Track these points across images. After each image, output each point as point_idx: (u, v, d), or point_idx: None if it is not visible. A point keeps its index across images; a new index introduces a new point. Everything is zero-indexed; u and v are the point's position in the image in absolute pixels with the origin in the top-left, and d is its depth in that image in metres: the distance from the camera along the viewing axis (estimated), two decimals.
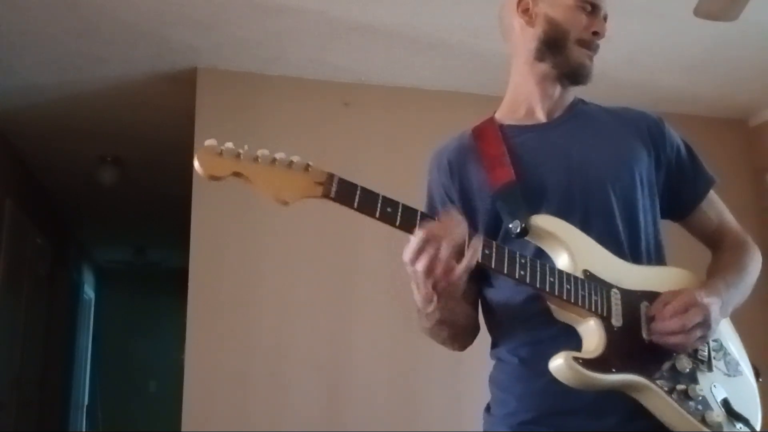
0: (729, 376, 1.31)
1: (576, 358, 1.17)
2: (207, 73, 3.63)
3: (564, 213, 1.31)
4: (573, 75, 1.42)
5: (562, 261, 1.27)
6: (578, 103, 1.49)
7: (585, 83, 1.43)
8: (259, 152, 1.13)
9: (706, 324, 1.23)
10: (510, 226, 1.28)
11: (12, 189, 4.78)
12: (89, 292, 9.01)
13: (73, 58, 3.51)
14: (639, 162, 1.39)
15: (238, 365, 3.40)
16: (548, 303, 1.26)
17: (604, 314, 1.23)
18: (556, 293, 1.21)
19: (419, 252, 1.14)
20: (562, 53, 1.41)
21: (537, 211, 1.30)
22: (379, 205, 1.14)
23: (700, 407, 1.23)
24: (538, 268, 1.21)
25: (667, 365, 1.24)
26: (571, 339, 1.24)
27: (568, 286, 1.22)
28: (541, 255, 1.29)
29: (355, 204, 1.14)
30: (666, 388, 1.21)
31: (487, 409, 1.41)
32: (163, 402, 5.03)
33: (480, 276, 1.35)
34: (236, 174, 1.12)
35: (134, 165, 5.03)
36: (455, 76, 3.73)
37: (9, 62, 3.55)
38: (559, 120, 1.45)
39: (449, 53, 3.49)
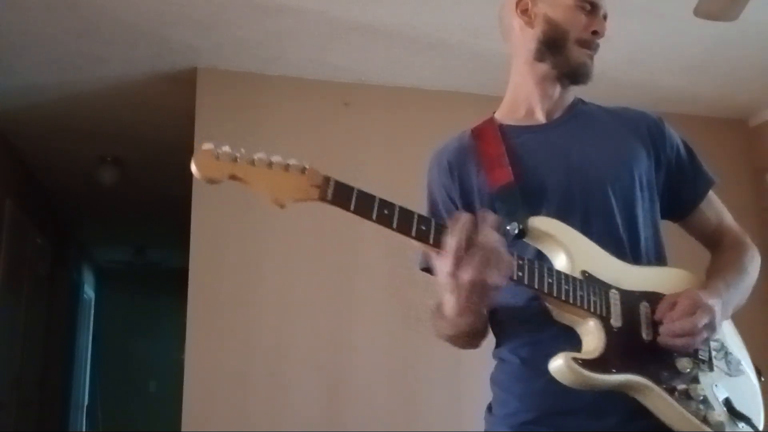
0: (730, 375, 1.31)
1: (576, 359, 1.17)
2: (207, 73, 3.63)
3: (564, 213, 1.31)
4: (573, 75, 1.42)
5: (560, 262, 1.27)
6: (578, 104, 1.49)
7: (585, 83, 1.43)
8: (256, 155, 1.13)
9: (711, 326, 1.23)
10: (508, 228, 1.28)
11: (12, 189, 4.78)
12: (89, 292, 9.01)
13: (73, 58, 3.51)
14: (638, 162, 1.39)
15: (238, 365, 3.40)
16: (547, 304, 1.26)
17: (603, 315, 1.23)
18: (555, 294, 1.21)
19: (459, 263, 1.12)
20: (562, 53, 1.41)
21: (537, 212, 1.30)
22: (375, 207, 1.14)
23: (701, 407, 1.22)
24: (536, 270, 1.21)
25: (667, 365, 1.24)
26: (572, 339, 1.24)
27: (567, 287, 1.22)
28: (540, 257, 1.29)
29: (352, 207, 1.13)
30: (667, 388, 1.21)
31: (489, 409, 1.41)
32: (163, 402, 5.03)
33: None
34: (233, 177, 1.12)
35: (134, 165, 5.03)
36: (455, 76, 3.73)
37: (9, 62, 3.55)
38: (559, 120, 1.45)
39: (449, 53, 3.50)
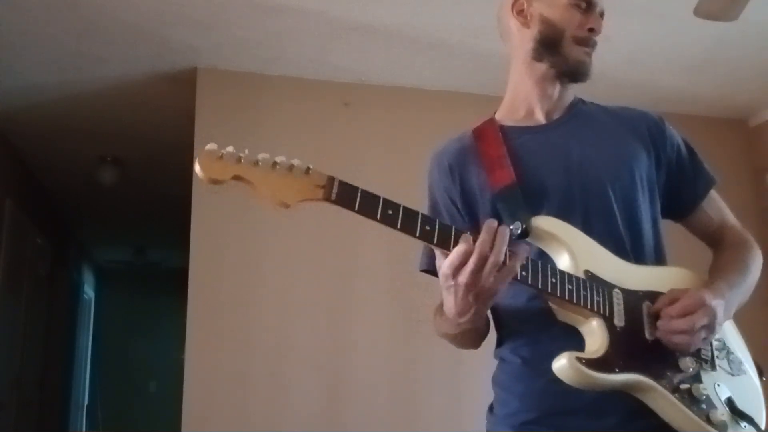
0: (732, 375, 1.31)
1: (579, 359, 1.17)
2: (207, 73, 3.63)
3: (565, 214, 1.31)
4: (572, 73, 1.42)
5: (563, 262, 1.27)
6: (578, 103, 1.49)
7: (584, 80, 1.43)
8: (260, 156, 1.13)
9: (711, 326, 1.23)
10: (511, 227, 1.28)
11: (12, 189, 4.78)
12: (89, 292, 9.01)
13: (73, 58, 3.51)
14: (639, 162, 1.39)
15: (238, 365, 3.40)
16: (549, 304, 1.26)
17: (606, 314, 1.23)
18: (558, 294, 1.21)
19: (461, 267, 1.13)
20: (559, 52, 1.41)
21: (538, 213, 1.30)
22: (380, 207, 1.14)
23: (704, 406, 1.23)
24: (540, 269, 1.21)
25: (670, 365, 1.24)
26: (573, 339, 1.24)
27: (570, 287, 1.22)
28: (542, 257, 1.29)
29: (356, 207, 1.14)
30: (670, 388, 1.21)
31: (490, 408, 1.42)
32: (163, 402, 5.03)
33: None
34: (237, 178, 1.12)
35: (134, 165, 5.03)
36: (455, 76, 3.73)
37: (9, 62, 3.55)
38: (559, 121, 1.45)
39: (449, 53, 3.49)
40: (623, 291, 1.27)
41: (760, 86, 3.83)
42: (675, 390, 1.22)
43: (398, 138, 3.74)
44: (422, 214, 1.17)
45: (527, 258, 1.21)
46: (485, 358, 1.47)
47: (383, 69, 3.66)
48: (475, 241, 1.13)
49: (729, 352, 1.34)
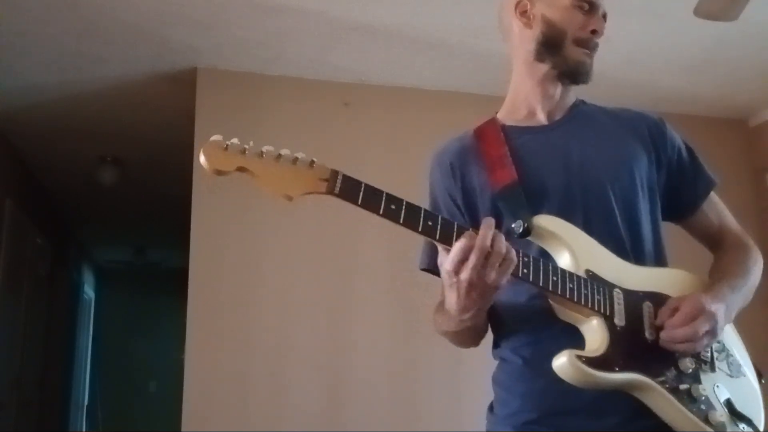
0: (732, 377, 1.31)
1: (579, 357, 1.17)
2: (207, 73, 3.63)
3: (565, 214, 1.31)
4: (572, 74, 1.43)
5: (564, 261, 1.28)
6: (579, 105, 1.49)
7: (585, 82, 1.43)
8: (264, 148, 1.14)
9: (713, 331, 1.24)
10: (513, 226, 1.29)
11: (12, 189, 4.78)
12: (89, 292, 9.01)
13: (73, 58, 3.51)
14: (638, 163, 1.39)
15: (238, 365, 3.40)
16: (550, 302, 1.27)
17: (607, 313, 1.24)
18: (559, 292, 1.21)
19: (462, 262, 1.13)
20: (560, 53, 1.41)
21: (538, 213, 1.30)
22: (383, 202, 1.15)
23: (703, 407, 1.23)
24: (541, 267, 1.21)
25: (670, 365, 1.24)
26: (573, 338, 1.24)
27: (571, 285, 1.22)
28: (543, 256, 1.29)
29: (359, 201, 1.14)
30: (669, 388, 1.22)
31: (490, 408, 1.42)
32: (163, 402, 5.04)
33: None
34: (241, 169, 1.13)
35: (134, 165, 5.03)
36: (455, 76, 3.73)
37: (9, 62, 3.55)
38: (560, 121, 1.45)
39: (449, 53, 3.50)
40: (624, 291, 1.27)
41: (760, 86, 3.83)
42: (674, 390, 1.22)
43: (398, 138, 3.74)
44: (425, 210, 1.18)
45: (529, 256, 1.21)
46: (485, 358, 1.47)
47: (383, 69, 3.66)
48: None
49: (729, 354, 1.34)
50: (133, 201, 6.02)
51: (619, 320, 1.24)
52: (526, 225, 1.28)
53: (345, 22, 3.21)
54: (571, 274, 1.23)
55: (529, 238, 1.29)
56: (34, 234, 5.39)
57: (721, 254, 1.46)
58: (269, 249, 3.55)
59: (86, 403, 8.69)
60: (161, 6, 3.06)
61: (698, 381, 1.25)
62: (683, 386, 1.23)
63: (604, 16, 1.44)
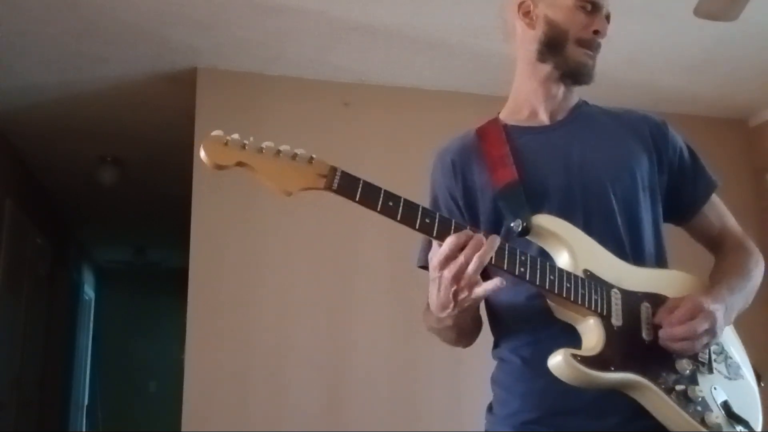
0: (730, 379, 1.31)
1: (575, 355, 1.17)
2: (207, 73, 3.63)
3: (565, 214, 1.31)
4: (574, 75, 1.43)
5: (562, 260, 1.28)
6: (581, 105, 1.50)
7: (587, 82, 1.43)
8: (264, 143, 1.15)
9: (711, 331, 1.23)
10: (512, 224, 1.29)
11: (12, 189, 4.78)
12: (89, 292, 9.01)
13: (73, 58, 3.51)
14: (639, 164, 1.39)
15: (238, 365, 3.40)
16: (548, 301, 1.27)
17: (604, 313, 1.24)
18: (556, 291, 1.21)
19: (449, 259, 1.14)
20: (562, 54, 1.41)
21: (538, 212, 1.31)
22: (380, 198, 1.15)
23: (699, 408, 1.23)
24: (539, 266, 1.21)
25: (667, 366, 1.24)
26: (573, 338, 1.24)
27: (568, 285, 1.22)
28: (543, 255, 1.29)
29: (357, 197, 1.15)
30: (665, 388, 1.21)
31: (490, 408, 1.42)
32: (163, 402, 5.03)
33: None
34: (240, 164, 1.14)
35: (134, 165, 5.03)
36: (455, 76, 3.73)
37: (9, 62, 3.55)
38: (562, 122, 1.45)
39: (449, 53, 3.49)
40: (622, 291, 1.27)
41: (760, 86, 3.83)
42: (670, 391, 1.22)
43: (398, 138, 3.74)
44: (423, 207, 1.18)
45: (526, 254, 1.21)
46: (485, 358, 1.47)
47: (383, 69, 3.66)
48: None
49: (727, 356, 1.33)
50: (133, 201, 6.02)
51: (617, 320, 1.24)
52: (525, 224, 1.28)
53: (345, 22, 3.21)
54: (568, 274, 1.23)
55: (528, 237, 1.30)
56: (34, 234, 5.39)
57: (721, 256, 1.46)
58: (269, 249, 3.55)
59: (86, 403, 8.69)
60: (161, 6, 3.06)
61: (695, 382, 1.25)
62: (680, 387, 1.23)
63: (608, 17, 1.44)
